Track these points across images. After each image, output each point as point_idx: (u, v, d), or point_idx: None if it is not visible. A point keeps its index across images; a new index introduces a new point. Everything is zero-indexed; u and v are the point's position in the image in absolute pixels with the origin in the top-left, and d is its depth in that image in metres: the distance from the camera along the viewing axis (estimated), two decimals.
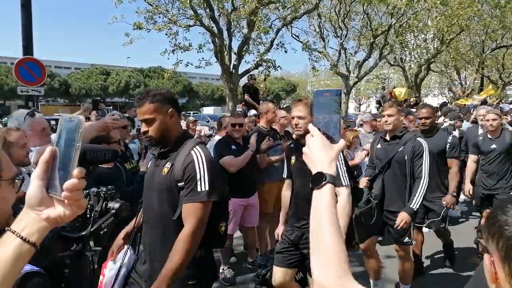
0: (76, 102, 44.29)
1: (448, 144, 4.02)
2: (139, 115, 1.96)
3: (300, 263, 2.83)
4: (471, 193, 4.62)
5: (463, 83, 26.69)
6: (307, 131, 1.06)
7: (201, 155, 1.87)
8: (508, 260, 0.71)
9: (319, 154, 0.98)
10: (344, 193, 2.57)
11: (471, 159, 4.68)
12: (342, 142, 1.03)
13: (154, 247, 1.95)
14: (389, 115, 3.32)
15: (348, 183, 2.63)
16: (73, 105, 42.18)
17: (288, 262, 2.82)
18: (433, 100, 31.82)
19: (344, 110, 16.71)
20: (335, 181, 0.96)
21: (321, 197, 0.93)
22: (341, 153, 2.56)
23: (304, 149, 1.03)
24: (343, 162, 2.70)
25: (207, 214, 1.84)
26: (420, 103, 13.13)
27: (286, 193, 3.08)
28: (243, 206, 4.06)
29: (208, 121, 22.62)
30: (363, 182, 3.48)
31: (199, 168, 1.83)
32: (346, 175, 2.64)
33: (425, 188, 3.15)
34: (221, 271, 4.15)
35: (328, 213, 0.91)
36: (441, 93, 41.30)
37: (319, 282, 0.86)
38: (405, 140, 3.28)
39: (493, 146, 4.39)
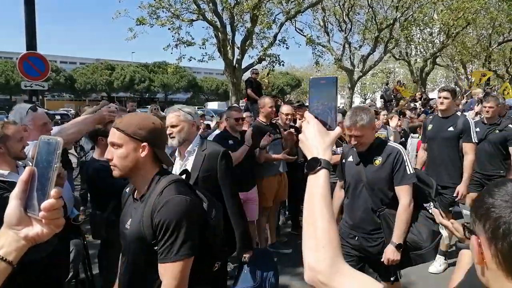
0: (81, 97, 44.63)
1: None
2: None
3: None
4: None
5: (470, 77, 26.43)
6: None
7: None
8: (494, 241, 0.75)
9: (315, 140, 0.99)
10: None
11: None
12: (338, 129, 1.03)
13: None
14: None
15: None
16: (78, 100, 42.53)
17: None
18: None
19: (348, 105, 16.63)
20: (329, 167, 0.96)
21: (315, 182, 0.93)
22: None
23: (300, 136, 1.04)
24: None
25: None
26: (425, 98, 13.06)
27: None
28: (242, 200, 4.06)
29: (212, 116, 22.59)
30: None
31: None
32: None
33: None
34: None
35: (322, 198, 0.91)
36: None
37: (312, 266, 0.86)
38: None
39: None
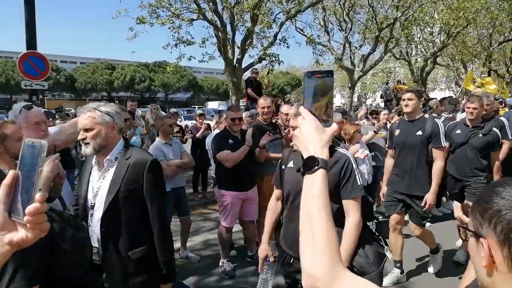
0: (82, 97, 44.63)
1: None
2: None
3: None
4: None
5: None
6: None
7: None
8: (508, 243, 0.72)
9: (311, 137, 0.94)
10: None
11: None
12: (334, 126, 0.99)
13: None
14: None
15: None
16: (78, 100, 42.51)
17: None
18: (440, 94, 31.49)
19: (348, 104, 16.61)
20: (327, 166, 0.92)
21: (312, 183, 0.90)
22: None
23: (295, 131, 0.99)
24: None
25: None
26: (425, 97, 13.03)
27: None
28: (241, 199, 4.07)
29: (212, 116, 22.63)
30: None
31: None
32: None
33: None
34: (220, 264, 4.18)
35: (320, 199, 0.88)
36: (448, 87, 40.90)
37: (311, 273, 0.83)
38: None
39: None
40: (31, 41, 7.25)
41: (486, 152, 4.11)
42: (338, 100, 43.90)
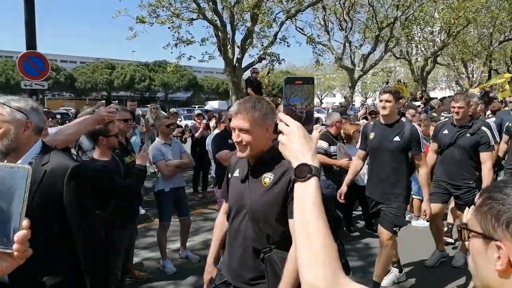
0: (82, 96, 44.67)
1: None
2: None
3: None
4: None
5: (471, 76, 26.39)
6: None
7: None
8: None
9: (300, 145, 0.93)
10: None
11: None
12: (316, 133, 0.98)
13: None
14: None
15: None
16: (78, 99, 42.55)
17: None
18: (440, 94, 31.50)
19: (350, 103, 16.61)
20: (319, 174, 0.91)
21: (306, 190, 0.89)
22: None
23: (281, 138, 0.97)
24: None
25: None
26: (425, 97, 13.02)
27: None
28: None
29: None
30: None
31: None
32: None
33: None
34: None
35: (315, 207, 0.87)
36: (449, 87, 40.88)
37: (311, 283, 0.81)
38: None
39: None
40: (31, 41, 7.24)
41: (474, 153, 3.85)
42: (339, 100, 43.90)
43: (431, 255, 4.27)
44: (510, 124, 5.41)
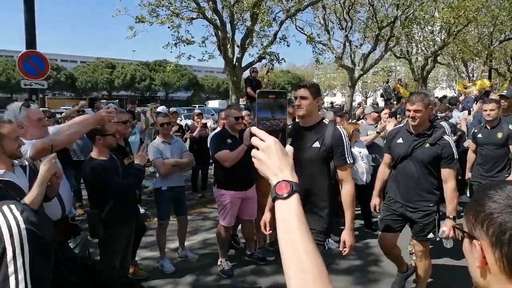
0: (82, 96, 44.66)
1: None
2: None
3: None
4: None
5: (471, 75, 26.36)
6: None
7: None
8: (500, 246, 0.75)
9: (279, 161, 0.90)
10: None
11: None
12: (290, 148, 0.95)
13: None
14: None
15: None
16: (79, 99, 42.52)
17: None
18: (441, 93, 31.44)
19: (348, 103, 16.59)
20: (300, 190, 0.88)
21: (289, 207, 0.86)
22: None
23: (257, 153, 0.93)
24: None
25: None
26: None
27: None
28: (240, 199, 4.07)
29: (213, 114, 22.70)
30: None
31: None
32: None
33: None
34: (219, 263, 4.19)
35: (300, 224, 0.85)
36: (449, 86, 40.84)
37: None
38: None
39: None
40: (30, 40, 7.26)
41: (435, 169, 3.12)
42: (339, 99, 43.86)
43: (392, 283, 3.66)
44: (475, 131, 4.69)
